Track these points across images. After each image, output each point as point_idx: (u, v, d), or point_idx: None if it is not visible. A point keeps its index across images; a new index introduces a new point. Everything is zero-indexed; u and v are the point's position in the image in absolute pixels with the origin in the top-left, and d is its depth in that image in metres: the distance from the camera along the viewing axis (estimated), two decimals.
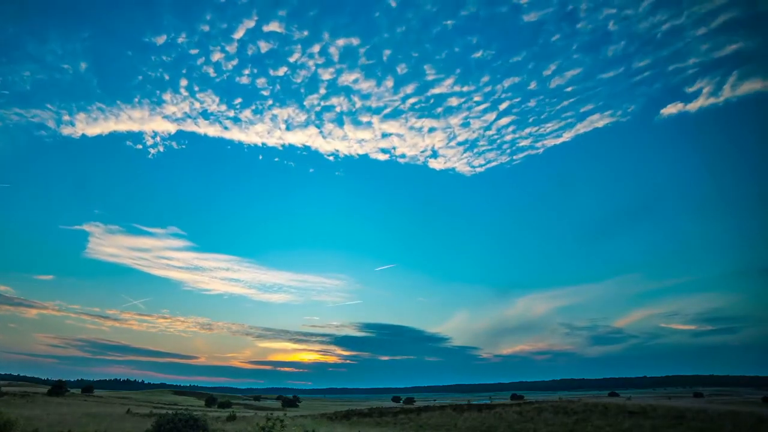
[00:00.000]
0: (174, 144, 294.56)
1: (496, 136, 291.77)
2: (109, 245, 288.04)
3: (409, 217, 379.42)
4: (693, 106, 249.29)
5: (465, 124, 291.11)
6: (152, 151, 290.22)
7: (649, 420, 24.80)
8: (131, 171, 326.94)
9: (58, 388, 49.39)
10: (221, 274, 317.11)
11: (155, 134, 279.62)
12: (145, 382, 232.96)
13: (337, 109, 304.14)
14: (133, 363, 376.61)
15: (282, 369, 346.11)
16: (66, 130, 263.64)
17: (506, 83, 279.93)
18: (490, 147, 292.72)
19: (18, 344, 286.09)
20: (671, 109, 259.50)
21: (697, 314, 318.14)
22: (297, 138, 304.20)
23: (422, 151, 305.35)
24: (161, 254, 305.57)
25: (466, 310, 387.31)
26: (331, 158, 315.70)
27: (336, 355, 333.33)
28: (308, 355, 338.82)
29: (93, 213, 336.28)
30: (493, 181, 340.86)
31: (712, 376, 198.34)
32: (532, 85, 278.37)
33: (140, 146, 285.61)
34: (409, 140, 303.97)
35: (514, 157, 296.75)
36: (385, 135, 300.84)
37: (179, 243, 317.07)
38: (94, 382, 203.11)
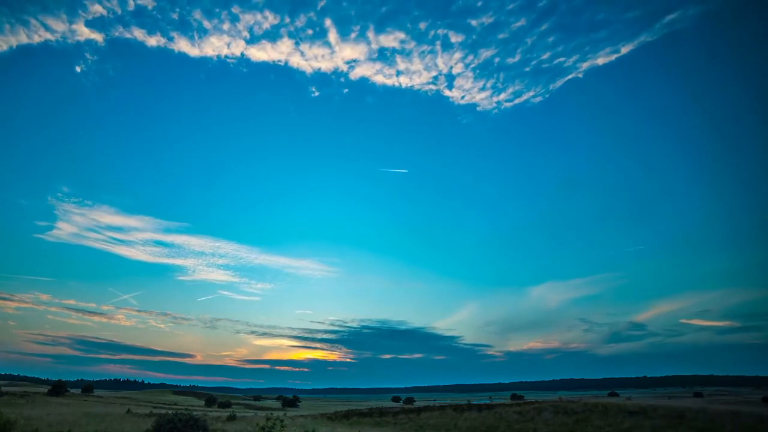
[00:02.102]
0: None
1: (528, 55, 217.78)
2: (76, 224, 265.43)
3: (408, 184, 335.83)
4: None
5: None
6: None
7: (649, 420, 24.80)
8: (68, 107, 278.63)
9: (58, 388, 49.38)
10: (208, 260, 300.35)
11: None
12: (145, 381, 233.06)
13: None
14: (127, 362, 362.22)
15: (280, 368, 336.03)
16: None
17: None
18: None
19: None
20: None
21: (727, 309, 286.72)
22: (266, 53, 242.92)
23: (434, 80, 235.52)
24: (144, 237, 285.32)
25: (474, 303, 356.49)
26: (313, 89, 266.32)
27: (336, 352, 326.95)
28: (306, 353, 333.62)
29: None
30: (519, 121, 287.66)
31: (712, 376, 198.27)
32: None
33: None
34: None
35: (552, 86, 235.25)
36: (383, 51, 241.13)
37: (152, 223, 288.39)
38: (94, 381, 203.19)
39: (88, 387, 64.91)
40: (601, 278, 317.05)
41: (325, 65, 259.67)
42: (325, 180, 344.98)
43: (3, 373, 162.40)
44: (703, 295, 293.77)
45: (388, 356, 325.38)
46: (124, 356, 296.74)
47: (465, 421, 28.62)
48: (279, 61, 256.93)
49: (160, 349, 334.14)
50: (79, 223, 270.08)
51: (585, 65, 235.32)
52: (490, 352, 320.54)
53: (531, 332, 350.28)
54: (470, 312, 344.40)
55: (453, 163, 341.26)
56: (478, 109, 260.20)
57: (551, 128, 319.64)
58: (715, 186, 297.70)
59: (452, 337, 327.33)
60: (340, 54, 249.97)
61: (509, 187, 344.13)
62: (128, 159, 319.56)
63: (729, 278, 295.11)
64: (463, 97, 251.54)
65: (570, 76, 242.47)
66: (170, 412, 20.22)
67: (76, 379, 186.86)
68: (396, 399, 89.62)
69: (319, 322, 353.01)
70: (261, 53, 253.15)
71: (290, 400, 74.73)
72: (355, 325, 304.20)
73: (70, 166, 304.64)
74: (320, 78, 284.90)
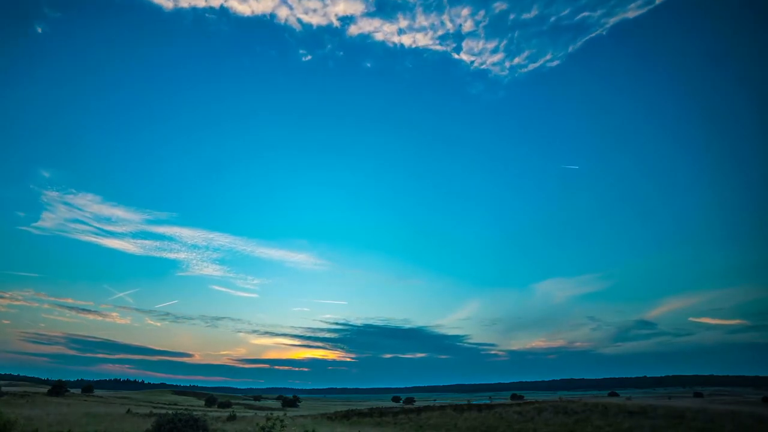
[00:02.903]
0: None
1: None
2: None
3: (409, 177, 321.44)
4: None
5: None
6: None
7: (649, 420, 24.80)
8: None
9: (58, 388, 49.37)
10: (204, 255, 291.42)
11: None
12: (145, 381, 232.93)
13: None
14: (125, 362, 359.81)
15: (279, 368, 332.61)
16: None
17: None
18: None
19: None
20: None
21: (738, 306, 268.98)
22: (249, 6, 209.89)
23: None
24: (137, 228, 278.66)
25: (478, 301, 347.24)
26: (304, 53, 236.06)
27: (336, 352, 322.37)
28: (306, 352, 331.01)
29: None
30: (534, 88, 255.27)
31: (712, 376, 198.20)
32: None
33: None
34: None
35: (571, 47, 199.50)
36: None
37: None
38: (94, 381, 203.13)
39: (88, 387, 64.92)
40: (608, 274, 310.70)
41: (317, 20, 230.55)
42: (321, 170, 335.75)
43: (1, 373, 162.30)
44: (713, 292, 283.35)
45: (388, 355, 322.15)
46: (121, 356, 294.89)
47: (465, 421, 28.62)
48: (264, 14, 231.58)
49: (158, 348, 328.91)
50: (65, 214, 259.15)
51: (612, 20, 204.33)
52: (493, 351, 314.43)
53: (536, 330, 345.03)
54: (473, 310, 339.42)
55: (460, 145, 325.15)
56: (490, 75, 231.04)
57: (565, 99, 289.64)
58: (730, 177, 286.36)
59: (454, 336, 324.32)
60: (333, 8, 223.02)
61: (516, 177, 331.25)
62: (107, 141, 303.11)
63: (742, 275, 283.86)
64: (472, 62, 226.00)
65: (593, 34, 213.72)
66: (170, 412, 20.23)
67: (76, 379, 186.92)
68: (396, 399, 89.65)
69: (320, 321, 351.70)
70: (243, 6, 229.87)
71: (290, 400, 74.74)
72: (356, 323, 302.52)
73: (49, 149, 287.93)
74: (311, 38, 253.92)
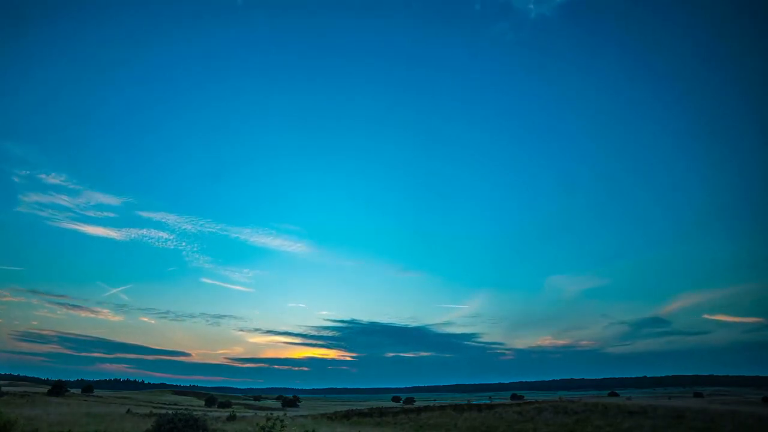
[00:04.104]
0: None
1: None
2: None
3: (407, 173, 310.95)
4: None
5: None
6: None
7: (649, 420, 24.81)
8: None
9: (58, 388, 49.42)
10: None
11: None
12: (144, 381, 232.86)
13: None
14: (122, 361, 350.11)
15: (279, 367, 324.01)
16: None
17: None
18: None
19: None
20: None
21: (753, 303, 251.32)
22: None
23: None
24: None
25: (481, 300, 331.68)
26: None
27: (336, 351, 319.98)
28: (306, 352, 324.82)
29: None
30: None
31: (712, 376, 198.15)
32: None
33: None
34: None
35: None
36: None
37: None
38: (94, 381, 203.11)
39: (88, 387, 65.04)
40: (619, 269, 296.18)
41: None
42: (316, 158, 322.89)
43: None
44: (729, 289, 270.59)
45: (390, 354, 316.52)
46: (118, 355, 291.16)
47: (465, 421, 28.63)
48: None
49: (155, 347, 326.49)
50: (40, 198, 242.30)
51: None
52: (499, 350, 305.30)
53: (542, 328, 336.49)
54: (476, 309, 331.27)
55: (460, 146, 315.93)
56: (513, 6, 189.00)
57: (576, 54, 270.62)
58: (753, 166, 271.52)
59: (458, 335, 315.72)
60: None
61: (524, 170, 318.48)
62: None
63: (760, 270, 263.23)
64: None
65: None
66: (170, 412, 20.22)
67: (76, 379, 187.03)
68: (396, 399, 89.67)
69: (318, 318, 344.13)
70: None
71: (290, 400, 74.77)
72: (359, 321, 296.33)
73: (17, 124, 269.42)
74: None
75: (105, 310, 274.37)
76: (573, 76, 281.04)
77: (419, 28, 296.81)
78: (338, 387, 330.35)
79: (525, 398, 64.47)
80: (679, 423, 23.72)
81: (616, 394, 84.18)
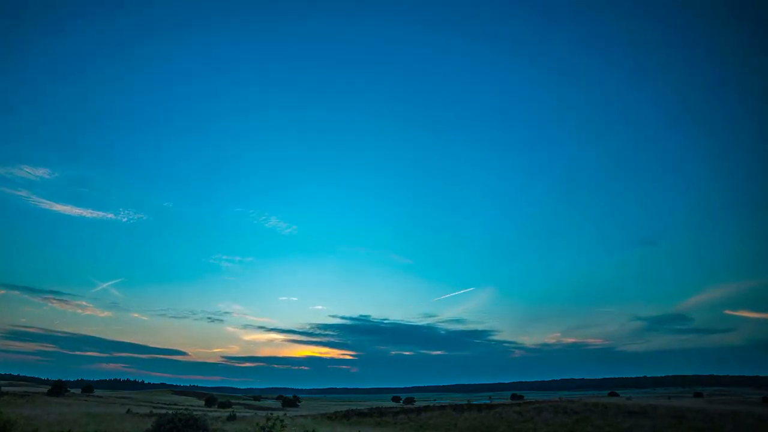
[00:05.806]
0: None
1: None
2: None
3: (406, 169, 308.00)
4: None
5: None
6: None
7: (649, 420, 24.80)
8: None
9: (58, 388, 49.39)
10: None
11: None
12: (144, 381, 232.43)
13: None
14: (119, 360, 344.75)
15: (278, 366, 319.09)
16: None
17: None
18: None
19: None
20: None
21: None
22: None
23: None
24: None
25: (483, 298, 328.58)
26: None
27: (336, 350, 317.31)
28: (305, 351, 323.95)
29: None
30: None
31: (712, 376, 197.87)
32: None
33: None
34: None
35: None
36: None
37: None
38: (94, 381, 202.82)
39: (88, 387, 65.04)
40: (639, 255, 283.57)
41: None
42: (310, 145, 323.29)
43: None
44: (752, 282, 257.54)
45: (392, 353, 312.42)
46: (113, 354, 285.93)
47: (465, 421, 28.62)
48: None
49: (150, 346, 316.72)
50: None
51: None
52: (506, 347, 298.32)
53: (551, 325, 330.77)
54: (478, 308, 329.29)
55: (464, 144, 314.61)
56: None
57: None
58: None
59: (459, 335, 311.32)
60: None
61: (536, 159, 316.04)
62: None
63: None
64: None
65: None
66: (170, 412, 20.22)
67: (76, 379, 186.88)
68: (396, 399, 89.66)
69: (330, 316, 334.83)
70: None
71: (290, 400, 74.77)
72: (355, 321, 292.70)
73: None
74: None
75: (94, 307, 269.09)
76: (586, 74, 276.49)
77: (419, 28, 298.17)
78: (338, 387, 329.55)
79: (525, 398, 64.50)
80: (679, 423, 23.72)
81: (616, 394, 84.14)
